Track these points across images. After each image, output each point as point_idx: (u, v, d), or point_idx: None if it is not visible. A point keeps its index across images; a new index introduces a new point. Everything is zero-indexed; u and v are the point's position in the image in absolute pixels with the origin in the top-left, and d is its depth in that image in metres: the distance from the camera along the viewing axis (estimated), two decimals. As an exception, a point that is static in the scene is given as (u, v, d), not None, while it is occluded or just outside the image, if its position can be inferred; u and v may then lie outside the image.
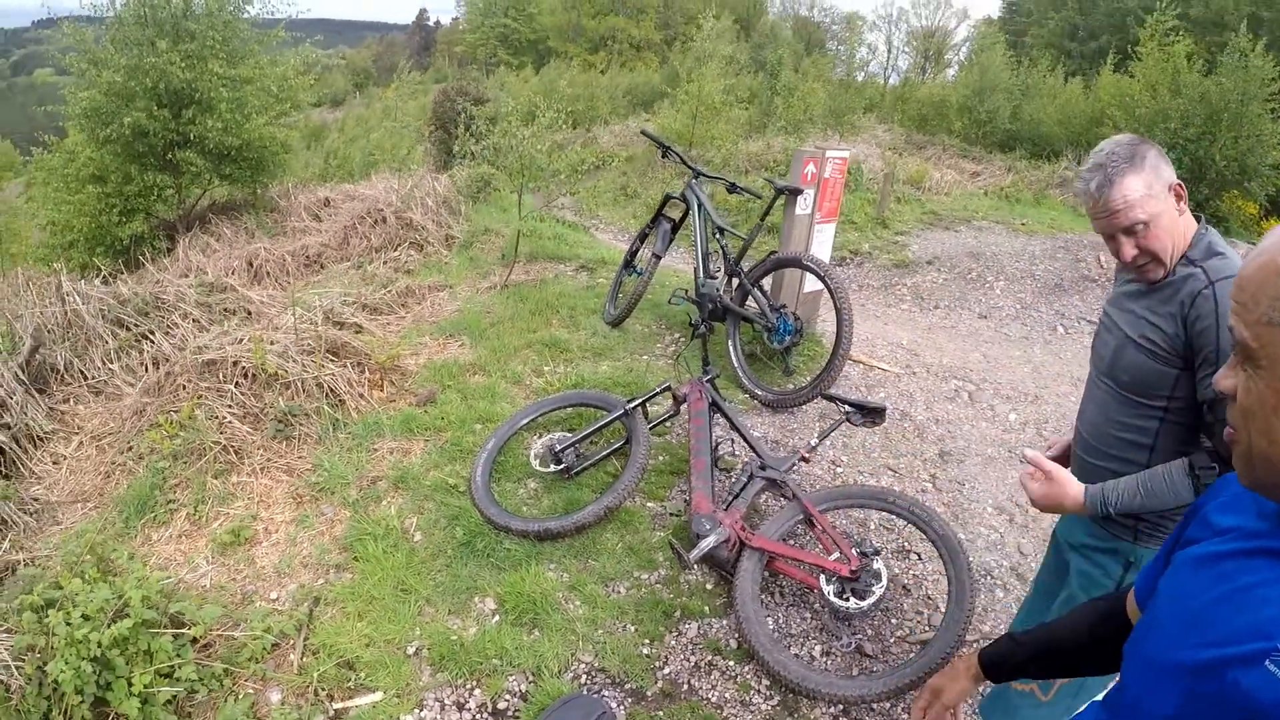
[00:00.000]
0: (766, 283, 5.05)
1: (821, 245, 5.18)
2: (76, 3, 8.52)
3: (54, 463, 4.64)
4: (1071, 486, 1.89)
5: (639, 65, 37.65)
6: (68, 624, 2.78)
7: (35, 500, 4.30)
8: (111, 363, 5.25)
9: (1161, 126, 13.21)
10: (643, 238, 5.73)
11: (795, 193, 4.89)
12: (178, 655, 2.93)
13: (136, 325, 5.51)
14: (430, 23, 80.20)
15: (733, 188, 5.31)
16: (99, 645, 2.75)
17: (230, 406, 4.44)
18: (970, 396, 5.28)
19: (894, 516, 3.53)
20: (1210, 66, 13.95)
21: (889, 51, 52.09)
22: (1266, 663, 0.82)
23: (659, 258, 5.46)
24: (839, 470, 4.22)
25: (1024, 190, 13.03)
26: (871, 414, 3.60)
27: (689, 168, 5.39)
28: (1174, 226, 1.86)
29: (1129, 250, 1.88)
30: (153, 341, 5.29)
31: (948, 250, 9.57)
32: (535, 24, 50.29)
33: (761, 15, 50.06)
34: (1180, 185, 1.88)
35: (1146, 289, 1.94)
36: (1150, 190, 1.83)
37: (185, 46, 8.10)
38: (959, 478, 4.30)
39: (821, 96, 18.49)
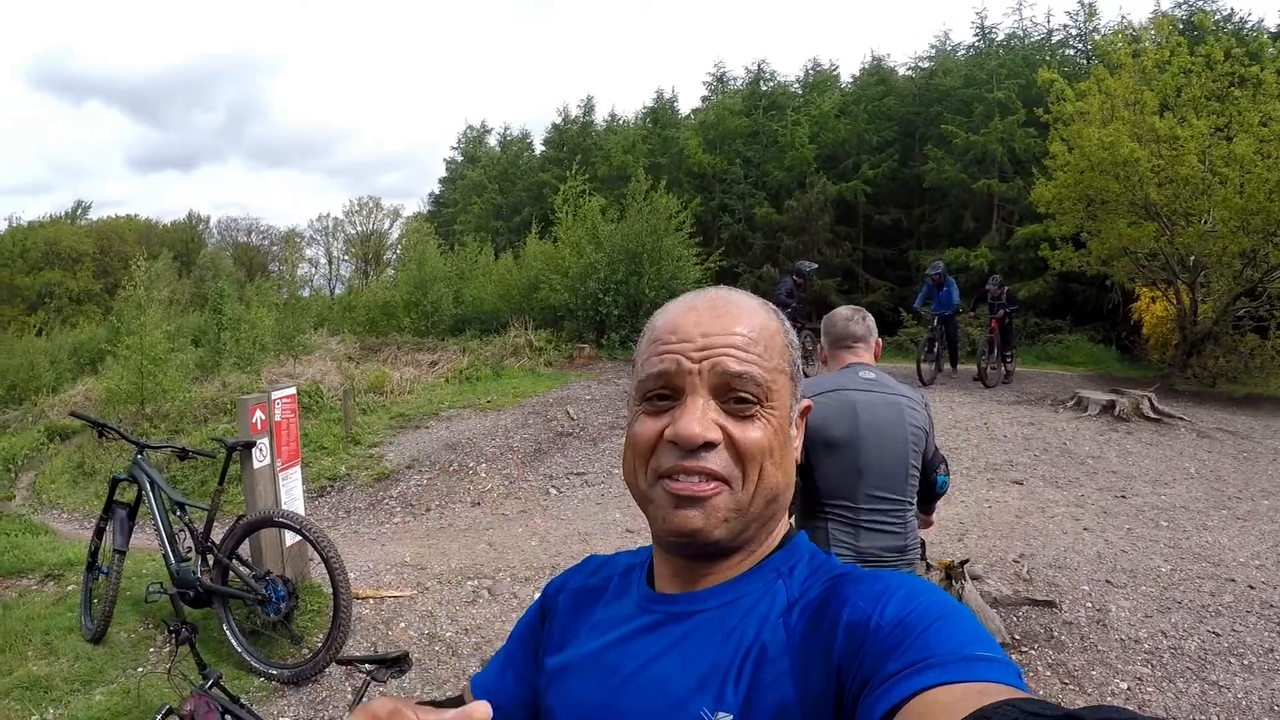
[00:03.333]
0: (245, 550, 4.57)
1: (291, 493, 4.86)
2: None
3: None
4: None
5: (82, 320, 33.27)
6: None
7: None
8: None
9: (594, 278, 14.69)
10: (100, 532, 4.89)
11: (249, 446, 4.56)
12: None
13: None
14: None
15: (183, 454, 4.84)
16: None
17: None
18: (490, 592, 5.25)
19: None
20: (623, 214, 15.76)
21: (330, 262, 52.65)
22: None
23: (122, 553, 4.67)
24: None
25: (482, 368, 13.58)
26: (395, 664, 3.35)
27: (131, 442, 4.83)
28: None
29: None
30: None
31: (424, 449, 9.49)
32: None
33: (200, 249, 48.08)
34: None
35: None
36: None
37: None
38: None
39: (269, 323, 17.89)
